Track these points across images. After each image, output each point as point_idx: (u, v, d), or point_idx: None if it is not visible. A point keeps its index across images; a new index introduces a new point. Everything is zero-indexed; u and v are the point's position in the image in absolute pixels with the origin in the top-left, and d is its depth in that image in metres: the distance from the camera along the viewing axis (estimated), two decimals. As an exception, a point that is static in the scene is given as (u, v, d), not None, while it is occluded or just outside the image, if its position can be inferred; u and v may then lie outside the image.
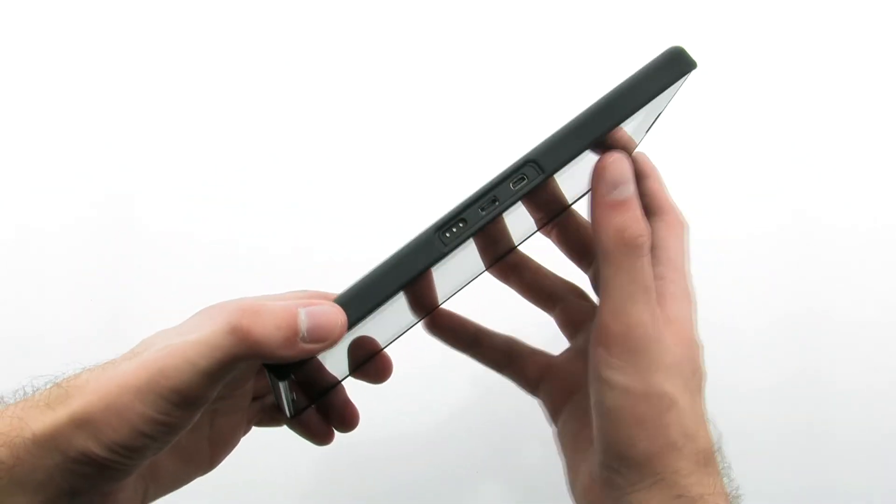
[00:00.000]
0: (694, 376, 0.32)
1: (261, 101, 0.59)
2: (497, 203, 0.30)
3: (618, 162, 0.32)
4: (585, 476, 0.34)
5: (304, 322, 0.28)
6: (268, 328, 0.28)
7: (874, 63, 0.59)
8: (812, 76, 0.59)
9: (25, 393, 0.31)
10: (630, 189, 0.32)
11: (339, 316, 0.28)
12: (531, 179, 0.30)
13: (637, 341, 0.31)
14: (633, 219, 0.32)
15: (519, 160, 0.31)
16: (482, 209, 0.30)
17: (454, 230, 0.30)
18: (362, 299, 0.29)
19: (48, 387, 0.30)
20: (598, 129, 0.30)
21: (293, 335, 0.28)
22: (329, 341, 0.28)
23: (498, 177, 0.31)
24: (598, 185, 0.32)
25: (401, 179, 0.58)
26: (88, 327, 0.56)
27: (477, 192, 0.31)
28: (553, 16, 0.60)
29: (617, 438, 0.31)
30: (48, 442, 0.29)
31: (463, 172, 0.56)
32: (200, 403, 0.29)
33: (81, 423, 0.28)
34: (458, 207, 0.31)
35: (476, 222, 0.30)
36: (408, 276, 0.30)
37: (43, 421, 0.29)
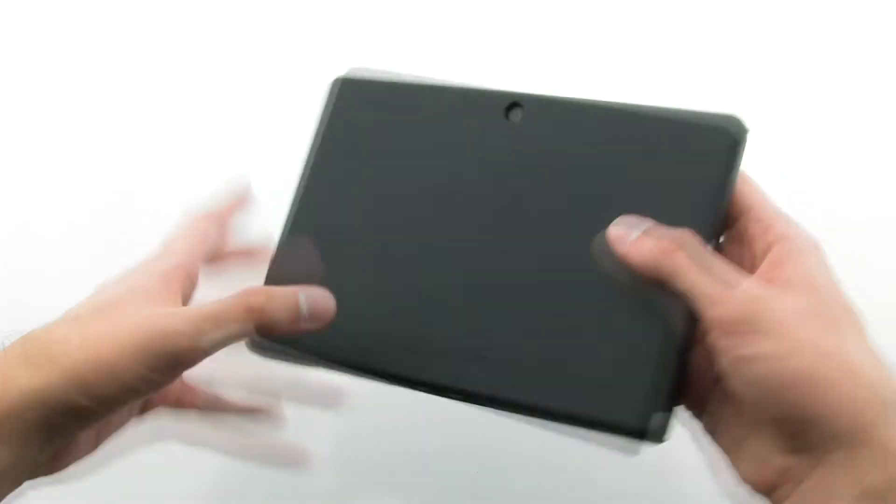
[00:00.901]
0: (840, 319, 0.29)
1: (263, 101, 0.59)
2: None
3: (612, 230, 0.32)
4: (757, 464, 0.30)
5: (304, 304, 0.32)
6: (279, 310, 0.31)
7: (877, 59, 0.59)
8: (811, 74, 0.59)
9: None
10: (632, 236, 0.32)
11: (331, 299, 0.33)
12: None
13: (753, 314, 0.28)
14: (650, 246, 0.31)
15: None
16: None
17: None
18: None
19: (15, 339, 0.32)
20: None
21: (297, 316, 0.32)
22: (324, 321, 0.32)
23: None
24: (615, 253, 0.32)
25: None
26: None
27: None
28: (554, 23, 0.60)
29: (787, 402, 0.28)
30: (36, 398, 0.30)
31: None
32: (191, 364, 0.31)
33: (73, 380, 0.30)
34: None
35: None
36: None
37: (30, 377, 0.30)
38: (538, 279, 0.34)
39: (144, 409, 0.39)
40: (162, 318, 0.31)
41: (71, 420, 0.30)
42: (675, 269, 0.30)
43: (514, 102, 0.34)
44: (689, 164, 0.31)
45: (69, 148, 0.59)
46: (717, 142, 0.29)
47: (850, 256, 0.58)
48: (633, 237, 0.31)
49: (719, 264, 0.30)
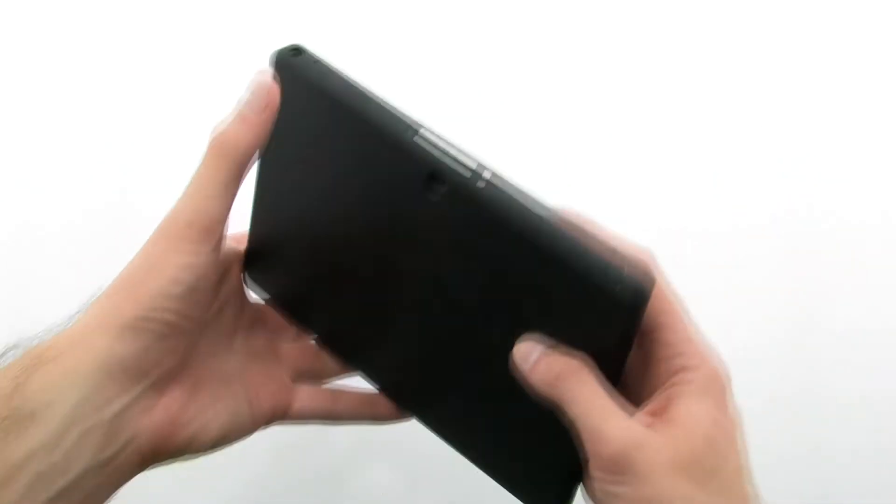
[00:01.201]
0: (715, 472, 0.29)
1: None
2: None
3: (516, 349, 0.32)
4: None
5: (244, 105, 0.33)
6: (231, 127, 0.33)
7: (878, 57, 0.59)
8: (809, 71, 0.59)
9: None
10: (532, 357, 0.31)
11: (262, 78, 0.33)
12: None
13: (626, 456, 0.29)
14: (546, 370, 0.31)
15: None
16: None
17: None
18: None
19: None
20: None
21: (243, 115, 0.33)
22: (271, 104, 0.33)
23: None
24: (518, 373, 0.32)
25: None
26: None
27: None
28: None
29: None
30: (91, 325, 0.31)
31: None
32: (213, 230, 0.33)
33: (116, 292, 0.32)
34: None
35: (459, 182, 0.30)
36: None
37: (84, 314, 0.32)
38: (458, 358, 0.35)
39: (257, 413, 0.38)
40: (166, 216, 0.33)
41: (135, 336, 0.31)
42: (563, 397, 0.30)
43: (434, 175, 0.30)
44: (594, 310, 0.29)
45: (68, 147, 0.59)
46: (624, 299, 0.28)
47: (850, 256, 0.59)
48: (533, 359, 0.31)
49: (605, 399, 0.30)
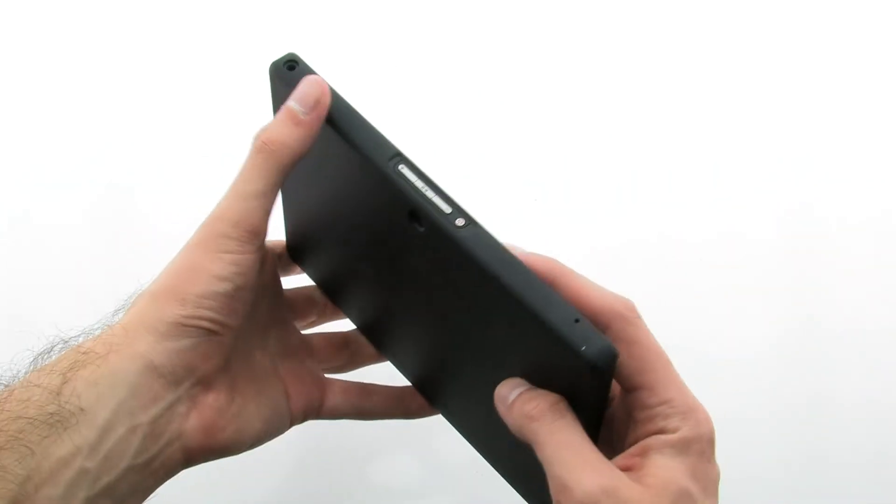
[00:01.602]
0: None
1: (265, 95, 0.59)
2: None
3: (498, 390, 0.31)
4: None
5: (294, 105, 0.32)
6: (279, 128, 0.33)
7: (879, 56, 0.59)
8: (809, 72, 0.59)
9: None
10: (510, 397, 0.31)
11: (313, 79, 0.33)
12: None
13: None
14: (519, 413, 0.30)
15: None
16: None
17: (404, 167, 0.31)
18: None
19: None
20: None
21: (295, 117, 0.32)
22: (322, 102, 0.32)
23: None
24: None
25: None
26: (89, 321, 0.56)
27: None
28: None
29: None
30: (136, 326, 0.31)
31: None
32: (256, 229, 0.33)
33: (160, 293, 0.32)
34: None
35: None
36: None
37: (126, 314, 0.32)
38: (459, 369, 0.36)
39: (294, 414, 0.38)
40: (210, 216, 0.33)
41: (185, 343, 0.31)
42: (535, 438, 0.30)
43: (413, 213, 0.31)
44: (563, 364, 0.29)
45: (68, 145, 0.59)
46: (590, 360, 0.28)
47: (851, 256, 0.59)
48: (511, 399, 0.31)
49: (575, 447, 0.29)
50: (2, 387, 0.31)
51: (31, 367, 0.31)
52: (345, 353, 0.41)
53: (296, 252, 0.41)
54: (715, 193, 0.58)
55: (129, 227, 0.58)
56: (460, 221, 0.30)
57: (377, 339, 0.41)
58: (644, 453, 0.29)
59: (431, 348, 0.37)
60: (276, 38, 0.60)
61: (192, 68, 0.59)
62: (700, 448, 0.29)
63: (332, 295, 0.41)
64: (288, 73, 0.33)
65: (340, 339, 0.41)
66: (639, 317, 0.31)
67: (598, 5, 0.60)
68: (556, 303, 0.28)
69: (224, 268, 0.32)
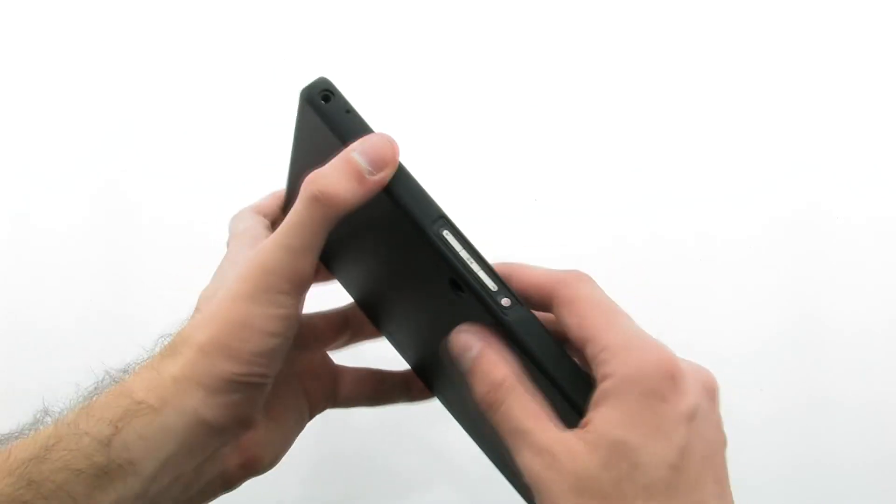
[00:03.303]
0: (618, 490, 0.26)
1: (263, 93, 0.59)
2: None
3: (455, 335, 0.31)
4: None
5: (360, 160, 0.30)
6: (340, 181, 0.30)
7: (878, 54, 0.59)
8: (811, 73, 0.59)
9: (128, 368, 0.33)
10: (472, 352, 0.30)
11: (386, 137, 0.30)
12: None
13: (536, 483, 0.27)
14: (481, 380, 0.30)
15: None
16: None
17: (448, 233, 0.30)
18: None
19: (159, 344, 0.33)
20: None
21: (360, 174, 0.30)
22: (391, 163, 0.30)
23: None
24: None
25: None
26: (89, 319, 0.56)
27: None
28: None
29: None
30: (188, 380, 0.30)
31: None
32: (306, 283, 0.32)
33: (212, 349, 0.31)
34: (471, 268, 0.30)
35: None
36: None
37: (175, 363, 0.31)
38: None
39: (313, 409, 0.39)
40: (251, 260, 0.32)
41: (234, 398, 0.31)
42: (494, 420, 0.30)
43: (455, 282, 0.30)
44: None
45: (69, 143, 0.59)
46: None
47: (852, 256, 0.59)
48: (471, 356, 0.30)
49: (517, 419, 0.29)
50: (49, 420, 0.31)
51: (78, 405, 0.31)
52: (346, 333, 0.40)
53: (289, 195, 0.39)
54: (715, 193, 0.58)
55: (129, 227, 0.57)
56: (506, 301, 0.30)
57: (374, 314, 0.40)
58: (595, 406, 0.28)
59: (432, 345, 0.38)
60: (276, 38, 0.59)
61: (192, 68, 0.59)
62: (645, 387, 0.27)
63: (330, 265, 0.40)
64: (324, 105, 0.31)
65: (340, 318, 0.40)
66: (584, 281, 0.30)
67: (599, 5, 0.60)
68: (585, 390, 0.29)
69: (276, 324, 0.31)
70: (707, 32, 0.59)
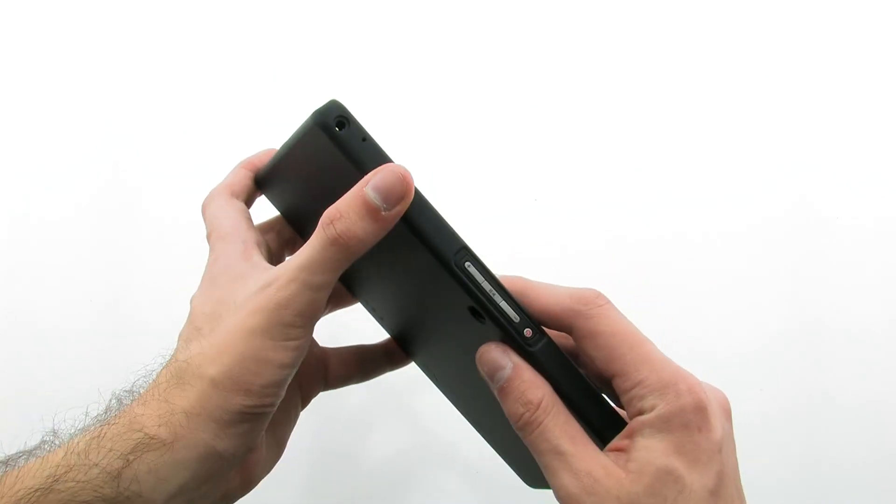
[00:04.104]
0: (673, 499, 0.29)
1: (266, 91, 0.59)
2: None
3: (485, 353, 0.32)
4: None
5: (375, 197, 0.30)
6: (357, 222, 0.30)
7: (879, 53, 0.59)
8: (810, 73, 0.59)
9: (134, 389, 0.33)
10: (506, 371, 0.31)
11: (398, 170, 0.30)
12: None
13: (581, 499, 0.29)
14: (516, 399, 0.31)
15: None
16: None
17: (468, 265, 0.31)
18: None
19: (161, 368, 0.33)
20: None
21: (376, 211, 0.30)
22: (406, 197, 0.30)
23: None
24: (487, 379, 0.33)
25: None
26: (89, 319, 0.56)
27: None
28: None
29: None
30: (200, 415, 0.31)
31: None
32: (319, 315, 0.32)
33: (225, 384, 0.31)
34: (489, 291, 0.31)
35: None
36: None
37: (186, 396, 0.31)
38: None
39: (305, 400, 0.39)
40: (266, 294, 0.31)
41: (245, 427, 0.31)
42: (529, 441, 0.31)
43: (476, 311, 0.31)
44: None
45: (69, 144, 0.59)
46: None
47: (853, 256, 0.59)
48: (505, 376, 0.31)
49: (558, 440, 0.30)
50: (57, 444, 0.31)
51: (88, 432, 0.31)
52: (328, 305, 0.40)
53: (266, 183, 0.39)
54: (715, 193, 0.58)
55: (130, 226, 0.58)
56: (528, 332, 0.31)
57: (354, 287, 0.40)
58: (630, 436, 0.30)
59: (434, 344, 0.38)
60: (276, 38, 0.60)
61: (192, 68, 0.59)
62: (683, 420, 0.29)
63: (298, 226, 0.39)
64: (339, 132, 0.31)
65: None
66: (600, 305, 0.31)
67: (598, 7, 0.60)
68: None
69: (288, 356, 0.31)
70: (705, 33, 0.59)
